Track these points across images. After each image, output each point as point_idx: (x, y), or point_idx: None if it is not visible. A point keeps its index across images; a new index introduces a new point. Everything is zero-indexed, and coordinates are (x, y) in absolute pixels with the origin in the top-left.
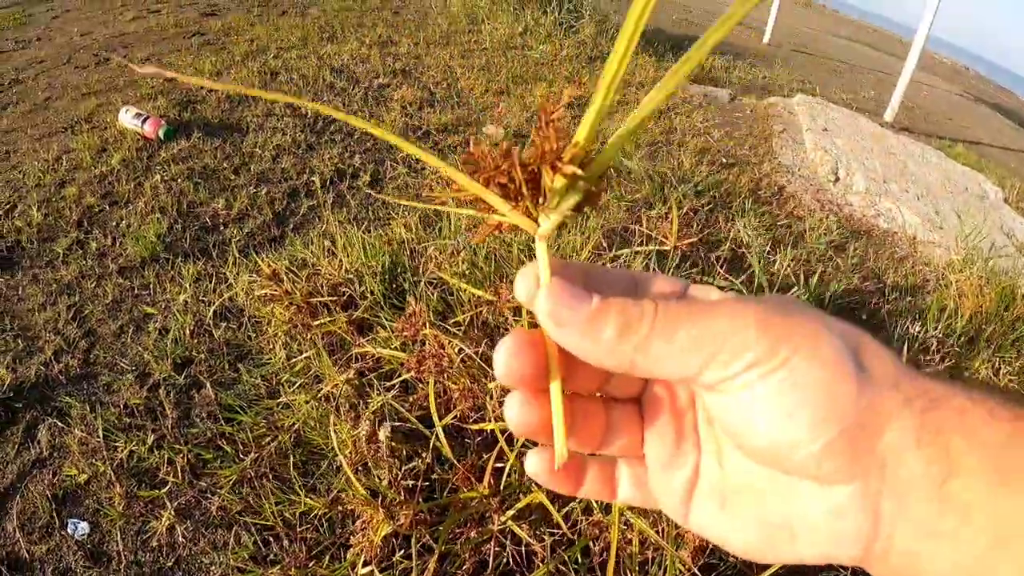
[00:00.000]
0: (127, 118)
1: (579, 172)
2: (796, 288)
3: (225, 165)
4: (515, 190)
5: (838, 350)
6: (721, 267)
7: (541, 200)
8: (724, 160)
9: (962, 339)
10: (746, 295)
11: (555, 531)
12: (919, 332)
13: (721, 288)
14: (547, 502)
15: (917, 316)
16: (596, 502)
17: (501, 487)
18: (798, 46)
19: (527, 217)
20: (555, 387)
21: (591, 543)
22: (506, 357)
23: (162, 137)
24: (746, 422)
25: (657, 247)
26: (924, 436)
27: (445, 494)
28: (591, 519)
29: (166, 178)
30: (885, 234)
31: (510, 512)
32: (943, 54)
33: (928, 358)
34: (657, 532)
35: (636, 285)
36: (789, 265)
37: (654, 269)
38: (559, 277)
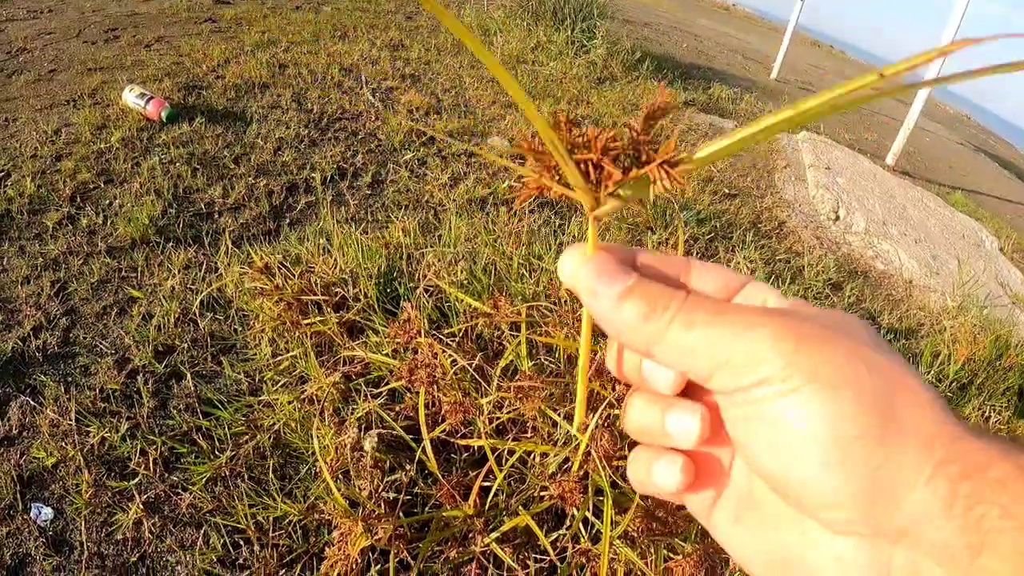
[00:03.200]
0: (131, 97)
1: (681, 180)
2: None
3: (225, 153)
4: (590, 172)
5: (865, 393)
6: None
7: (608, 184)
8: (727, 191)
9: (954, 385)
10: (801, 309)
11: (541, 557)
12: None
13: None
14: (534, 526)
15: (910, 360)
16: (584, 530)
17: (486, 507)
18: (805, 84)
19: (589, 195)
20: (582, 362)
21: (575, 572)
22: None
23: (164, 119)
24: (753, 442)
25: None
26: (956, 505)
27: (427, 510)
28: (579, 547)
29: (164, 161)
30: (882, 276)
31: (494, 534)
32: (945, 102)
33: None
34: (645, 563)
35: (682, 273)
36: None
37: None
38: (607, 254)
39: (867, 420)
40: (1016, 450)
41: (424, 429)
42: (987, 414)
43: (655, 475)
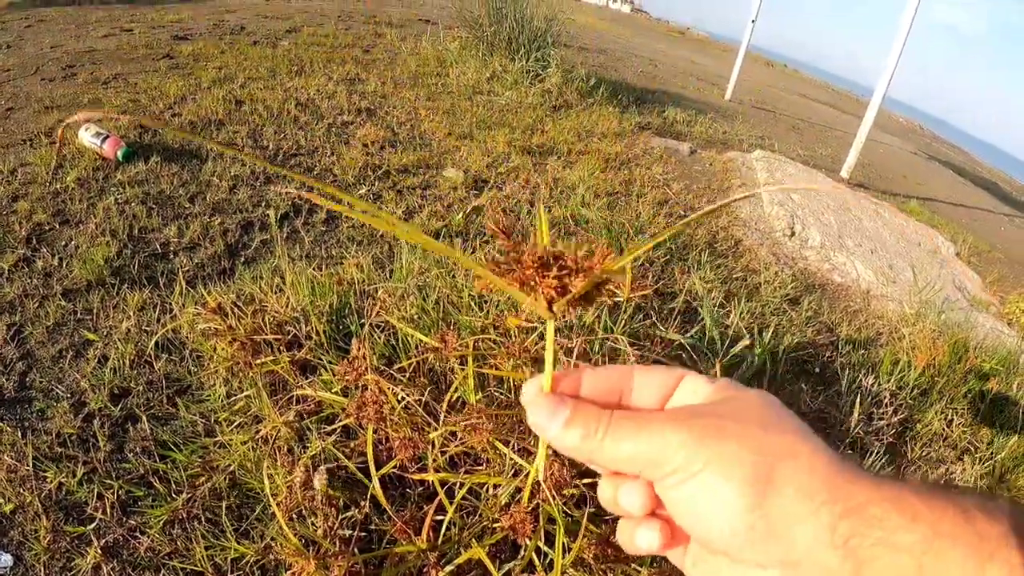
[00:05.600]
0: (87, 136)
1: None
2: (749, 338)
3: (181, 192)
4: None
5: (746, 467)
6: (675, 319)
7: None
8: (682, 212)
9: (915, 391)
10: (719, 394)
11: None
12: (872, 385)
13: (679, 347)
14: (487, 559)
15: (870, 369)
16: (539, 559)
17: (440, 541)
18: (759, 103)
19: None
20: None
21: None
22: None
23: (120, 158)
24: (676, 515)
25: (612, 298)
26: (837, 536)
27: (383, 545)
28: None
29: (120, 201)
30: (839, 288)
31: (449, 568)
32: (898, 113)
33: (881, 411)
34: None
35: (625, 381)
36: (743, 318)
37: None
38: (548, 392)
39: (746, 490)
40: (898, 490)
41: (372, 466)
42: (949, 418)
43: (638, 539)
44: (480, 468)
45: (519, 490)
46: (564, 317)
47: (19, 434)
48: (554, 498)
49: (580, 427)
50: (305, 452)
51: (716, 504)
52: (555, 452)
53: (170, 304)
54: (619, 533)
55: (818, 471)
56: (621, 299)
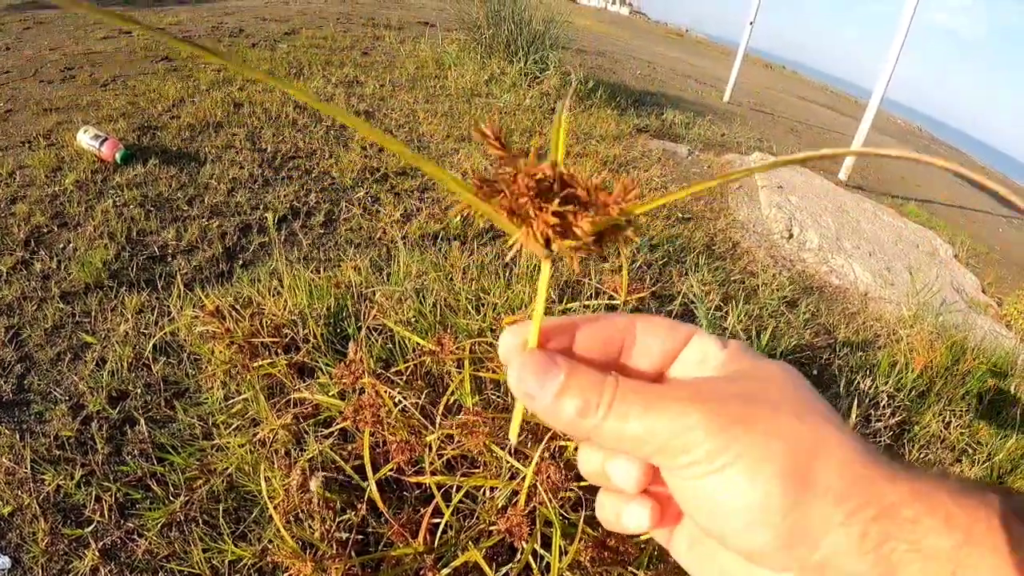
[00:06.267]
0: (85, 138)
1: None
2: (747, 341)
3: (179, 195)
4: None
5: (781, 463)
6: None
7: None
8: (680, 215)
9: (912, 393)
10: (736, 364)
11: None
12: (870, 387)
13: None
14: (483, 562)
15: (868, 371)
16: (535, 562)
17: (437, 544)
18: (757, 105)
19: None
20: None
21: None
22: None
23: (119, 160)
24: (688, 506)
25: (607, 301)
26: (867, 542)
27: (380, 548)
28: None
29: (118, 203)
30: (837, 290)
31: (445, 570)
32: (897, 115)
33: (879, 413)
34: None
35: (626, 334)
36: (741, 320)
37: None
38: (535, 349)
39: (782, 491)
40: (931, 487)
41: (369, 469)
42: (947, 419)
43: (625, 519)
44: (477, 471)
45: (516, 493)
46: (566, 259)
47: (17, 437)
48: (550, 501)
49: (577, 398)
50: (302, 455)
51: (743, 504)
52: (550, 452)
53: (168, 307)
54: (601, 508)
55: (850, 468)
56: (618, 301)
